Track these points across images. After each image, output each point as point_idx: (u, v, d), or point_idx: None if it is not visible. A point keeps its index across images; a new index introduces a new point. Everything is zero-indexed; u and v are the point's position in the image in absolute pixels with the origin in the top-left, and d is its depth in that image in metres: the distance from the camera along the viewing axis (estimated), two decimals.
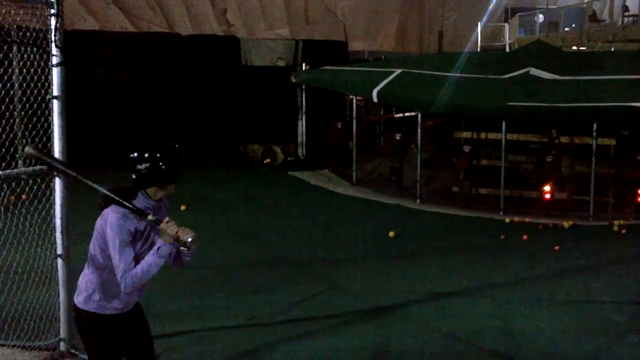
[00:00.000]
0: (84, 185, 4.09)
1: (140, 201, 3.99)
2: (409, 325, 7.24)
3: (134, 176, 3.99)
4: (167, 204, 4.25)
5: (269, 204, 13.78)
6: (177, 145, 4.05)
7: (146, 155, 3.94)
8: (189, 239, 3.89)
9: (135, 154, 3.96)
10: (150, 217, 3.94)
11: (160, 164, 3.94)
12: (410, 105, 15.48)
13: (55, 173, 5.63)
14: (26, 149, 4.30)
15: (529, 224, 12.21)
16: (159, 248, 3.88)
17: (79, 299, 4.11)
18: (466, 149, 14.41)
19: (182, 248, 3.98)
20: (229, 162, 17.96)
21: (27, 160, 5.57)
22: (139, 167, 3.94)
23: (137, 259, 3.92)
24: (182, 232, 3.89)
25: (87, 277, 4.10)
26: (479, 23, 32.08)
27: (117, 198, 3.91)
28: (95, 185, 4.00)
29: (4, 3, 5.93)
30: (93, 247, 4.04)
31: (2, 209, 6.02)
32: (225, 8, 28.31)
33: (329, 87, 17.46)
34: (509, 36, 33.20)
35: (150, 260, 3.88)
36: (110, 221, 3.90)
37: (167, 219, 3.93)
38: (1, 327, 6.07)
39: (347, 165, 16.59)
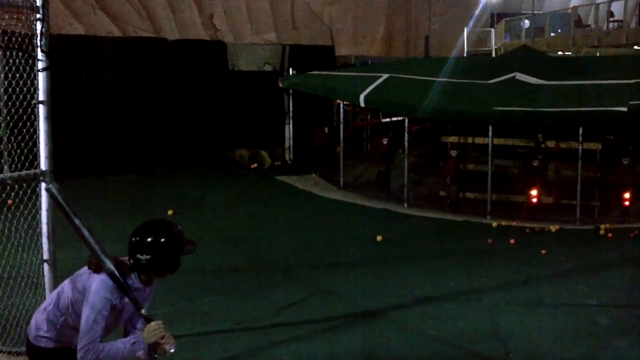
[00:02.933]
0: (92, 251, 3.87)
1: (129, 279, 3.83)
2: (396, 329, 7.25)
3: (131, 261, 3.83)
4: (155, 285, 4.07)
5: (256, 209, 13.75)
6: (182, 236, 3.87)
7: (149, 247, 3.77)
8: (171, 350, 3.77)
9: (138, 242, 3.79)
10: (143, 311, 3.82)
11: (162, 259, 3.81)
12: (397, 110, 15.52)
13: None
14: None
15: (515, 228, 12.25)
16: (134, 342, 3.74)
17: (34, 336, 3.89)
18: (453, 153, 14.46)
19: (156, 355, 3.82)
20: (216, 166, 17.91)
21: (13, 165, 5.54)
22: (139, 256, 3.79)
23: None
24: (166, 341, 3.76)
25: (47, 315, 3.89)
26: (465, 28, 32.27)
27: (121, 281, 3.75)
28: (103, 257, 3.80)
29: None
30: (68, 290, 3.86)
31: None
32: (212, 13, 28.32)
33: (316, 91, 17.43)
34: (495, 41, 33.41)
35: (121, 348, 3.72)
36: (97, 288, 3.73)
37: (159, 321, 3.79)
38: None
39: (335, 169, 16.58)
